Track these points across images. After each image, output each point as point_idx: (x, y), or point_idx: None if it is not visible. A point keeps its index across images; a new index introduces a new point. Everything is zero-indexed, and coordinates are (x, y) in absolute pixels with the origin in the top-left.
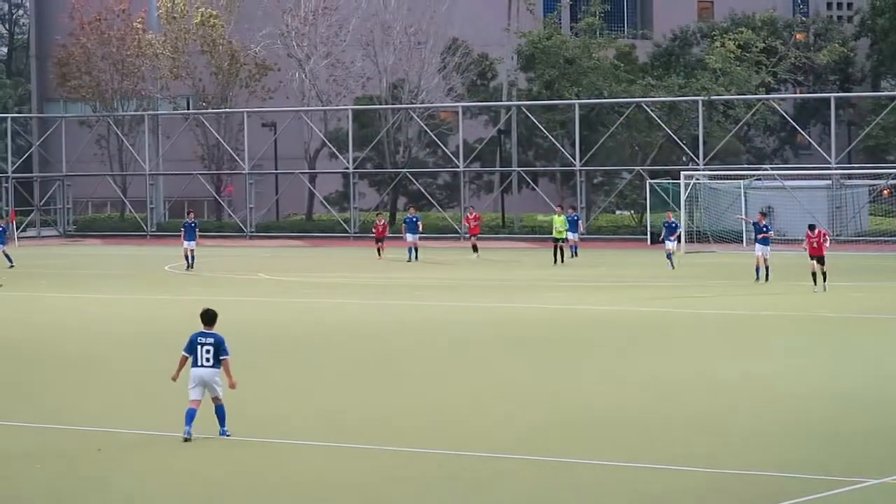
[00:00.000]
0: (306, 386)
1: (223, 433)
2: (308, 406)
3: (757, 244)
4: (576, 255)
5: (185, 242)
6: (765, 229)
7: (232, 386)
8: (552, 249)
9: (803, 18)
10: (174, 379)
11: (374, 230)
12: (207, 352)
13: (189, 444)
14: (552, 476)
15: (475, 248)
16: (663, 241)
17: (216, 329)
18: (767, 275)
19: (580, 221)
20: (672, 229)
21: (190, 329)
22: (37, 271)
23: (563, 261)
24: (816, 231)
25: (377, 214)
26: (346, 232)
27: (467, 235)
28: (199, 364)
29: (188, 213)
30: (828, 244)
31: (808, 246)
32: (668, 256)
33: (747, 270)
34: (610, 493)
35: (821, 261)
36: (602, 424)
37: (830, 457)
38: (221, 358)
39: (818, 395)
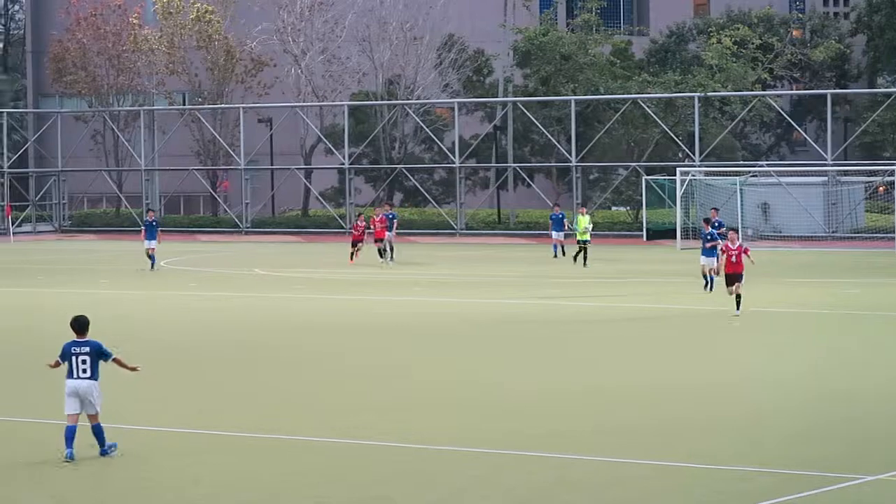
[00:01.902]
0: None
1: (104, 452)
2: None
3: (701, 255)
4: (563, 253)
5: (147, 242)
6: (709, 237)
7: (134, 369)
8: (576, 251)
9: (800, 15)
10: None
11: (353, 231)
12: (83, 362)
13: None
14: (540, 472)
15: (380, 253)
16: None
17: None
18: (712, 285)
19: (565, 220)
20: (716, 228)
21: (184, 322)
22: (33, 266)
23: (585, 264)
24: (737, 244)
25: (359, 215)
26: (342, 228)
27: (375, 239)
28: (75, 376)
29: (148, 213)
30: (750, 260)
31: (724, 260)
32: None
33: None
34: (598, 487)
35: (738, 280)
36: (599, 428)
37: (828, 452)
38: (112, 359)
39: (811, 390)
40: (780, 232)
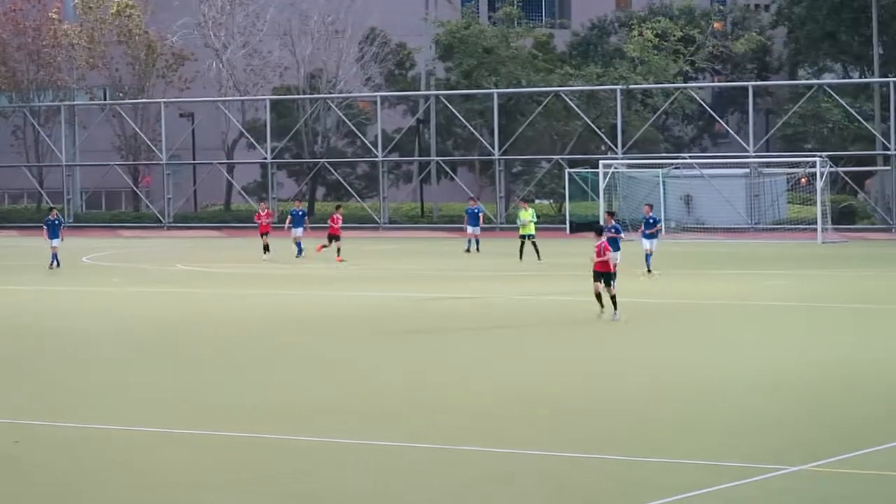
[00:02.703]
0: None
1: None
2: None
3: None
4: (478, 249)
5: (50, 241)
6: (612, 230)
7: None
8: (519, 245)
9: (721, 7)
10: None
11: (331, 224)
12: None
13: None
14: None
15: (265, 249)
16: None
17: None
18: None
19: (482, 214)
20: (650, 225)
21: (110, 317)
22: None
23: (521, 257)
24: (601, 242)
25: (337, 207)
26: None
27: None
28: None
29: (50, 211)
30: (616, 260)
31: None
32: (647, 257)
33: (666, 259)
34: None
35: (607, 280)
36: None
37: (752, 444)
38: None
39: (739, 383)
40: (703, 224)
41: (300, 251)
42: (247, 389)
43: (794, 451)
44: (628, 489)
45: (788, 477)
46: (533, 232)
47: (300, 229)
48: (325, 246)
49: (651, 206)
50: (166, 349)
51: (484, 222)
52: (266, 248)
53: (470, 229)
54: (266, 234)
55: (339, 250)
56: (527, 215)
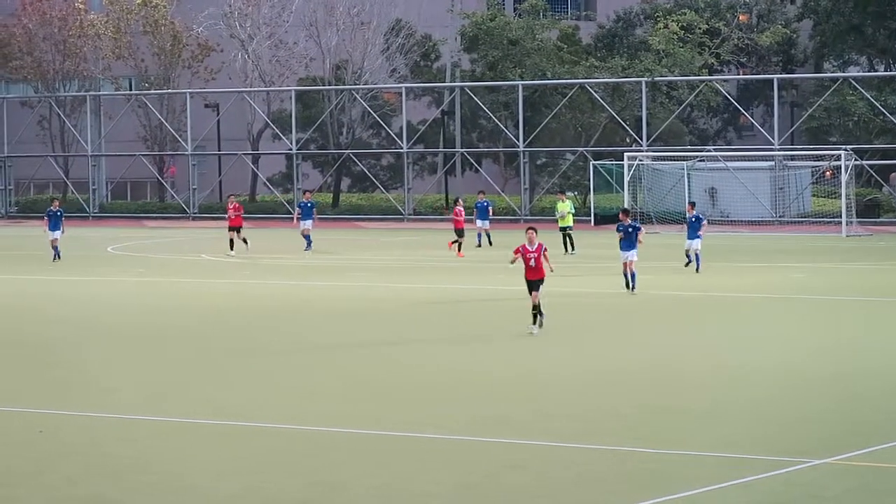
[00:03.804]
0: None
1: None
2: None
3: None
4: (490, 243)
5: (50, 232)
6: (622, 229)
7: None
8: (562, 238)
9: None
10: None
11: (455, 217)
12: None
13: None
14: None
15: (231, 244)
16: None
17: None
18: (634, 283)
19: (490, 207)
20: (695, 225)
21: (133, 307)
22: None
23: (572, 249)
24: (537, 244)
25: (456, 200)
26: (290, 213)
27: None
28: None
29: (52, 202)
30: (549, 267)
31: (524, 264)
32: (697, 255)
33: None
34: (549, 470)
35: (537, 286)
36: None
37: (776, 437)
38: None
39: (763, 376)
40: (728, 216)
41: (309, 244)
42: (262, 380)
43: (818, 444)
44: (651, 481)
45: (813, 470)
46: (571, 224)
47: (309, 222)
48: (455, 241)
49: (693, 205)
50: (189, 339)
51: (508, 214)
52: (232, 244)
53: (479, 223)
54: (237, 228)
55: (460, 245)
56: (565, 207)
